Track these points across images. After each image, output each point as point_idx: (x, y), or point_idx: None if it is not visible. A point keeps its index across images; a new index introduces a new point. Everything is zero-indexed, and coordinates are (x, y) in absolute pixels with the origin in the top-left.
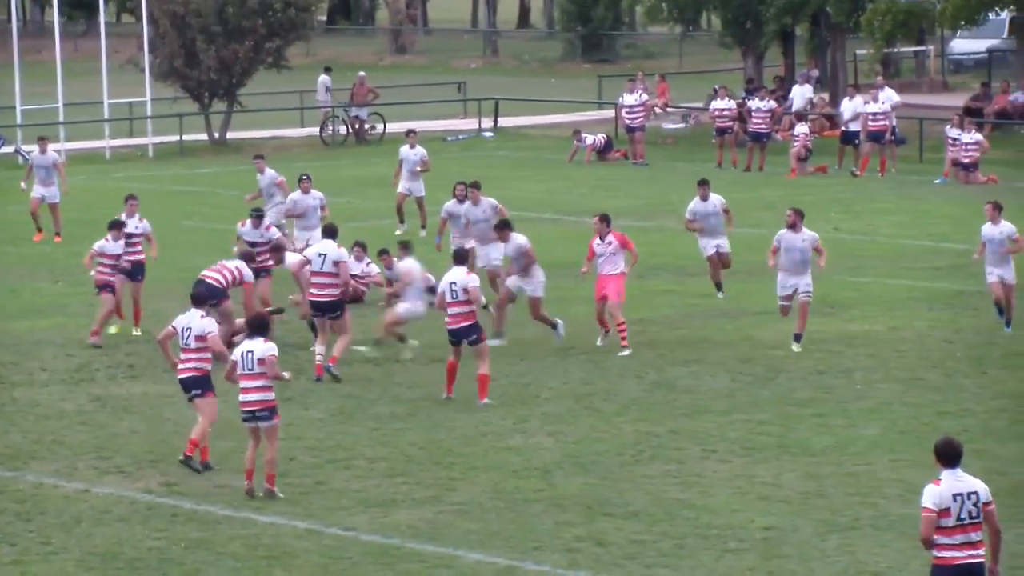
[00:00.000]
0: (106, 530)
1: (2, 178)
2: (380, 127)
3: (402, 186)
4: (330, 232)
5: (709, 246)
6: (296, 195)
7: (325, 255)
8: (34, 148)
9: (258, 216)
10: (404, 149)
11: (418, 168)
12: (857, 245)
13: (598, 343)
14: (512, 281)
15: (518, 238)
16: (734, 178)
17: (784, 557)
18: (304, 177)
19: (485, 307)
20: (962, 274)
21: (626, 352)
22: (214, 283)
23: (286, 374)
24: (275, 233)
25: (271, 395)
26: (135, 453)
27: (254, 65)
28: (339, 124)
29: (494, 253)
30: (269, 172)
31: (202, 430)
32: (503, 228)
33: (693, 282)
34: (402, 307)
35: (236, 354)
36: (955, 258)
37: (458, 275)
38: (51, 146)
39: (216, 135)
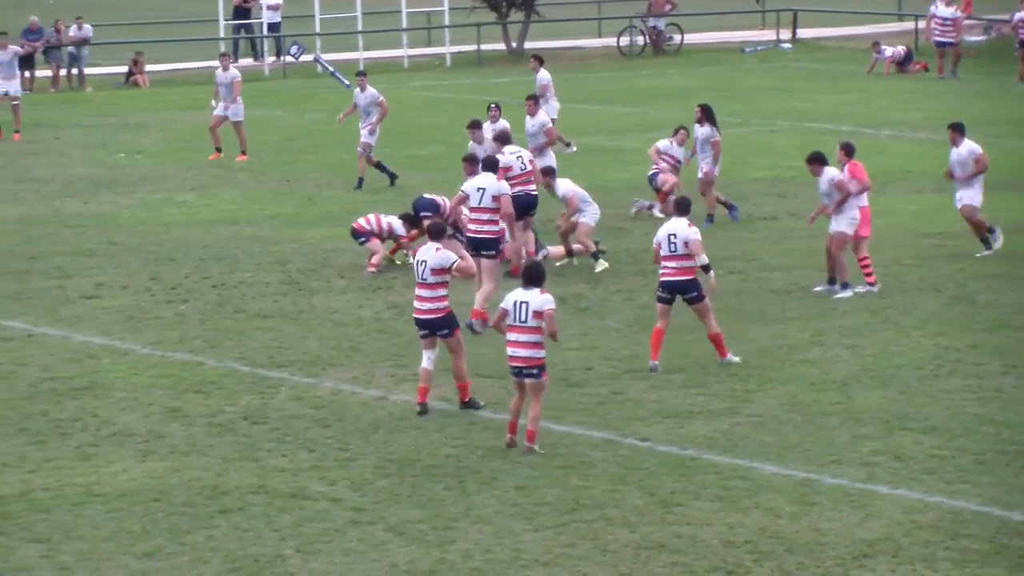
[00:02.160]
0: (403, 437)
1: (299, 87)
2: (678, 38)
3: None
4: (490, 165)
5: (954, 198)
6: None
7: (484, 189)
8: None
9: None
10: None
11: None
12: None
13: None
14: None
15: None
16: None
17: None
18: (492, 106)
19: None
20: None
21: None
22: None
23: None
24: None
25: (542, 352)
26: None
27: None
28: (637, 34)
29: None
30: (370, 90)
31: (463, 368)
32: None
33: (994, 196)
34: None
35: (508, 302)
36: None
37: (679, 226)
38: (247, 62)
39: (513, 45)
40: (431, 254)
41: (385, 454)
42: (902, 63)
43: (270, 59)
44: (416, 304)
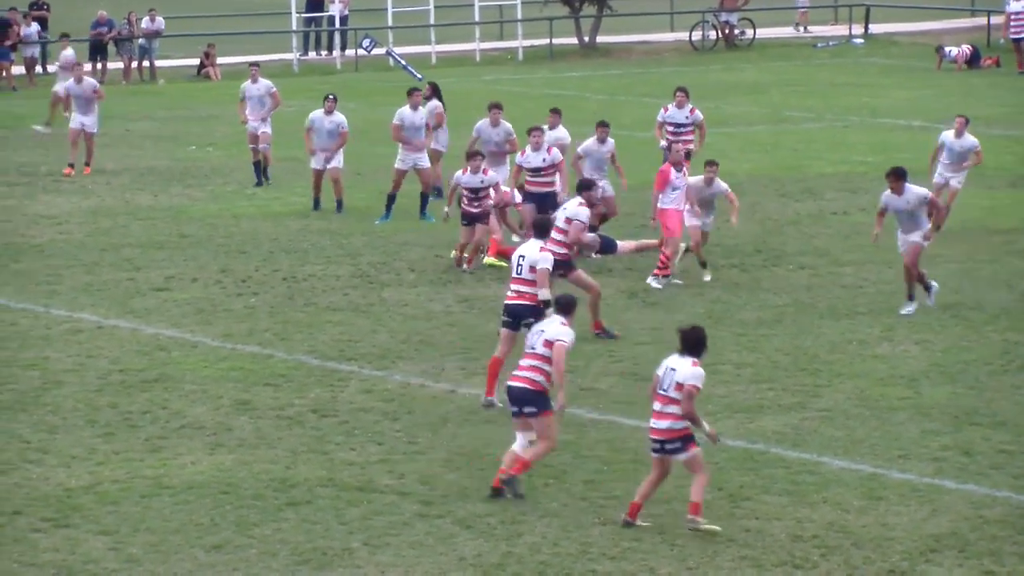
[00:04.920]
0: (472, 430)
1: (371, 80)
2: (750, 32)
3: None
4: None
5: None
6: (482, 124)
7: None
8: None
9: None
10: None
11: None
12: None
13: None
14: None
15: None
16: None
17: None
18: (329, 97)
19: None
20: None
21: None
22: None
23: (709, 428)
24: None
25: (681, 423)
26: None
27: None
28: (709, 29)
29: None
30: (263, 82)
31: (539, 455)
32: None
33: None
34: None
35: (661, 368)
36: None
37: (530, 249)
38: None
39: (586, 39)
40: (551, 326)
41: (454, 447)
42: (971, 61)
43: (343, 52)
44: (514, 372)
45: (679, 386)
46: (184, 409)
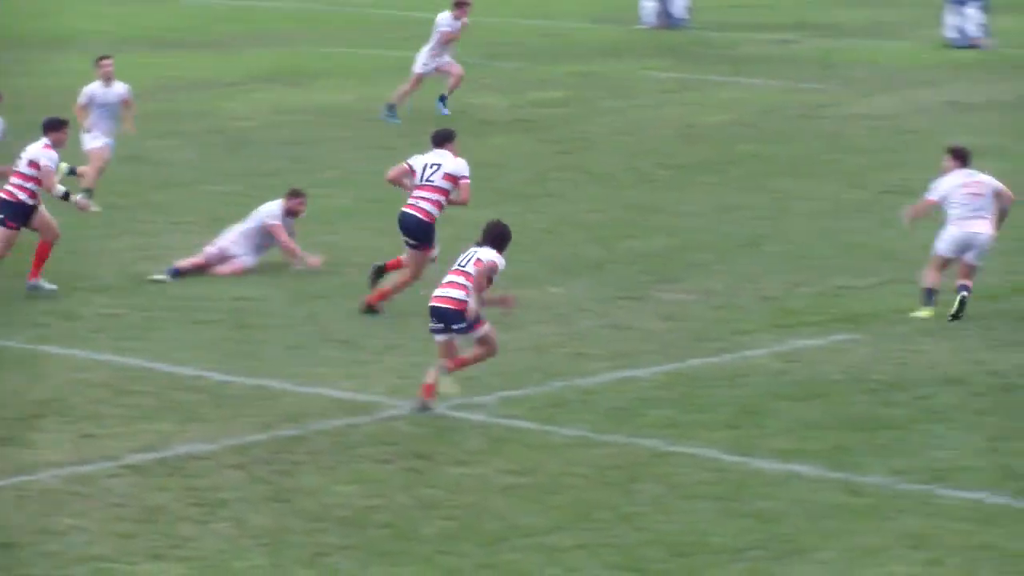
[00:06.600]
0: None
1: None
2: None
3: None
4: None
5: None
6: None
7: None
8: None
9: None
10: None
11: None
12: (326, 16)
13: None
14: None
15: None
16: None
17: (253, 327)
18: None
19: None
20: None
21: None
22: None
23: (511, 299)
24: None
25: (465, 296)
26: None
27: None
28: None
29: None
30: None
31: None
32: None
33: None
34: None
35: (465, 252)
36: (417, 27)
37: (32, 147)
38: None
39: None
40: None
41: None
42: None
43: None
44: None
45: (479, 262)
46: None
